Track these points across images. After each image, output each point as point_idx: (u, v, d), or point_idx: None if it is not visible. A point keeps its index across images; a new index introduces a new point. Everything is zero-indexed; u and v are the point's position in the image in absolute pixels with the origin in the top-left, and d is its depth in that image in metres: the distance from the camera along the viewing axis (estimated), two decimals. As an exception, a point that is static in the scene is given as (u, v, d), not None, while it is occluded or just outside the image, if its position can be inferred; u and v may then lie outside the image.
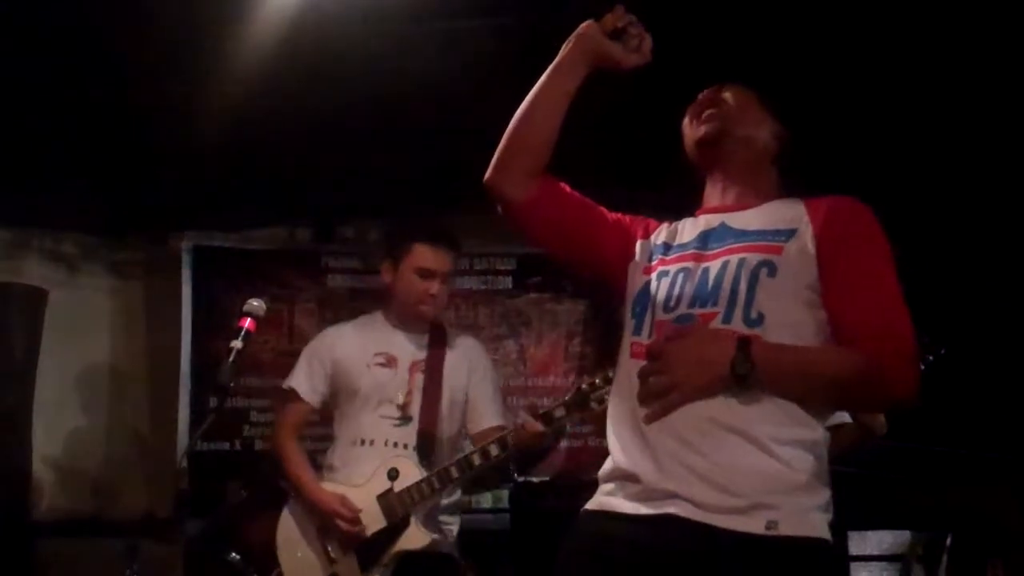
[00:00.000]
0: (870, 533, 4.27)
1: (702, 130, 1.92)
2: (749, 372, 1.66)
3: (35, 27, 3.48)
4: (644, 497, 1.73)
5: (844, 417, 3.15)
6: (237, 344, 2.47)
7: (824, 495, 1.73)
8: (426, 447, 3.07)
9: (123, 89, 3.97)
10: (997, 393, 4.36)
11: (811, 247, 1.76)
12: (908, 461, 4.01)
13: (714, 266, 1.81)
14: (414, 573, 3.01)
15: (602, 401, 2.86)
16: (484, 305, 5.38)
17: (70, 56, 3.69)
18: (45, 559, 4.55)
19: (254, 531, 3.32)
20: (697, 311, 1.78)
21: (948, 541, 4.16)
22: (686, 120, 1.97)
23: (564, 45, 1.89)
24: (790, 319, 1.74)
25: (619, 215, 2.03)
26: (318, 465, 3.24)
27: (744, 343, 1.67)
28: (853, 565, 4.17)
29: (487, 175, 1.93)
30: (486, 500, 5.01)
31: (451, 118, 4.14)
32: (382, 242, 5.12)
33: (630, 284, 1.94)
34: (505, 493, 4.73)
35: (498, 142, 1.93)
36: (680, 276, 1.84)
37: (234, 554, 3.33)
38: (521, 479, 4.59)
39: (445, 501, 3.12)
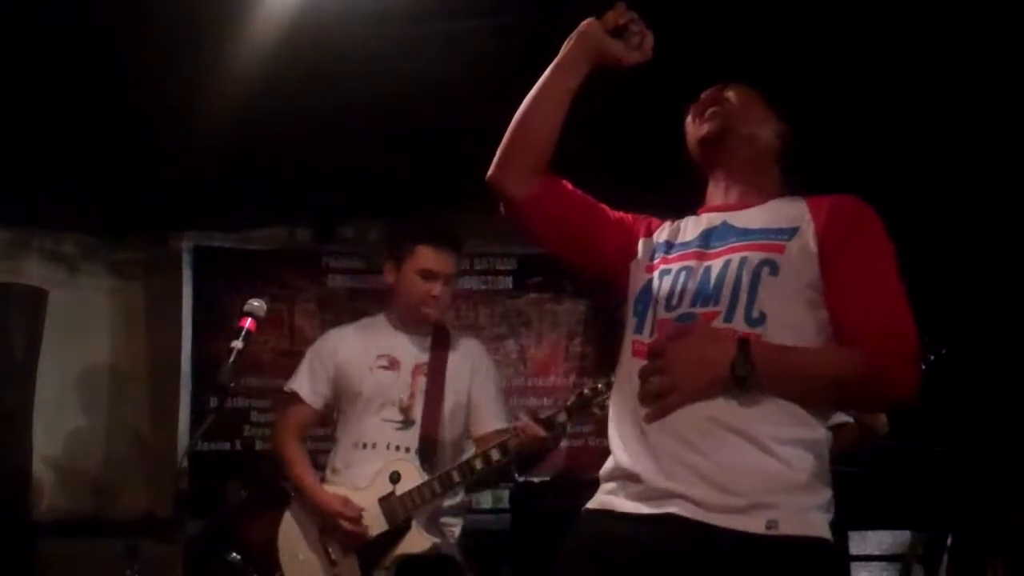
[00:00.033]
0: (870, 533, 4.27)
1: (705, 128, 1.92)
2: (749, 374, 1.66)
3: (35, 27, 3.47)
4: (645, 496, 1.73)
5: (845, 417, 3.15)
6: (237, 344, 2.47)
7: (825, 494, 1.73)
8: (428, 451, 3.07)
9: (123, 89, 3.96)
10: (997, 393, 4.36)
11: (813, 246, 1.76)
12: (908, 461, 4.01)
13: (716, 265, 1.81)
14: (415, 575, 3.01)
15: (604, 407, 2.84)
16: (484, 305, 5.39)
17: (70, 56, 3.69)
18: (45, 559, 4.55)
19: (254, 531, 3.32)
20: (699, 310, 1.78)
21: (948, 541, 4.16)
22: (689, 118, 1.97)
23: (565, 43, 1.89)
24: (792, 319, 1.74)
25: (621, 213, 2.02)
26: (319, 466, 3.24)
27: (744, 344, 1.67)
28: (853, 565, 4.17)
29: (489, 173, 1.93)
30: (486, 500, 5.02)
31: (451, 118, 4.14)
32: (383, 242, 5.14)
33: (632, 282, 1.94)
34: (505, 493, 4.73)
35: (498, 142, 1.93)
36: (682, 274, 1.84)
37: (234, 554, 3.33)
38: (521, 479, 4.59)
39: (447, 503, 3.12)
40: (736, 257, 1.79)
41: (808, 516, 1.68)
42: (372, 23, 3.51)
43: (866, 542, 4.29)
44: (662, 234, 1.96)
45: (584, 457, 5.07)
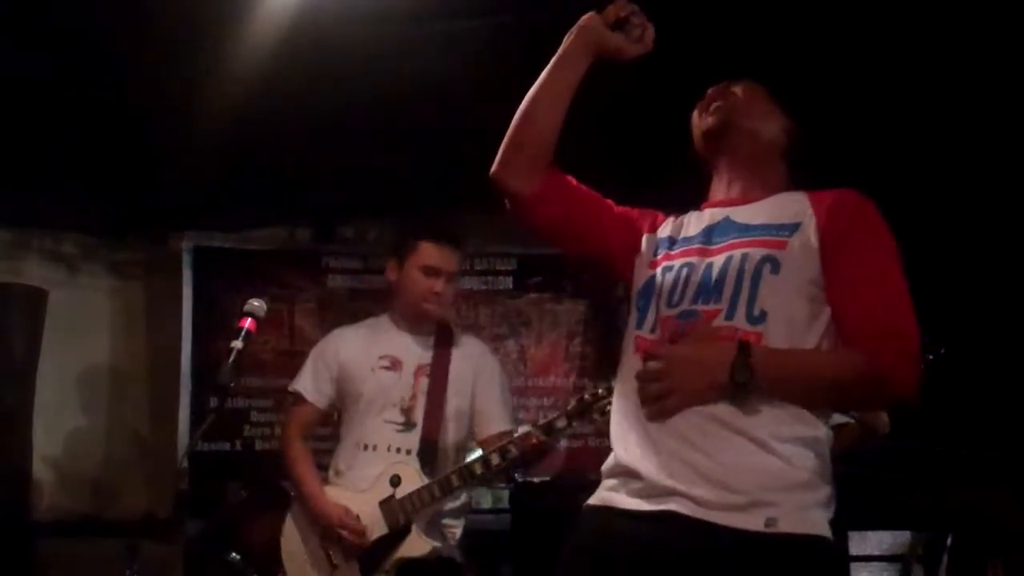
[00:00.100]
0: (870, 533, 4.27)
1: (708, 121, 1.93)
2: (748, 380, 1.66)
3: (35, 27, 3.47)
4: (646, 494, 1.73)
5: (846, 417, 3.15)
6: (237, 344, 2.46)
7: (825, 492, 1.73)
8: (428, 453, 3.06)
9: (123, 89, 3.96)
10: (997, 393, 4.36)
11: (814, 241, 1.76)
12: (908, 461, 4.01)
13: (718, 261, 1.81)
14: (415, 579, 3.00)
15: (604, 412, 2.84)
16: (484, 305, 5.39)
17: (70, 56, 3.69)
18: (45, 559, 4.55)
19: (254, 531, 3.33)
20: (700, 307, 1.78)
21: (948, 541, 4.16)
22: (695, 113, 1.97)
23: (566, 37, 1.89)
24: (793, 316, 1.73)
25: (626, 208, 2.02)
26: (322, 467, 3.23)
27: (744, 349, 1.67)
28: (853, 565, 4.17)
29: (492, 169, 1.93)
30: (486, 500, 5.02)
31: (451, 118, 4.14)
32: (383, 242, 5.14)
33: (636, 278, 1.94)
34: (505, 493, 4.73)
35: (499, 142, 1.93)
36: (684, 271, 1.84)
37: (234, 554, 3.34)
38: (521, 479, 4.59)
39: (449, 505, 3.11)
40: (738, 254, 1.79)
41: (808, 514, 1.69)
42: (372, 23, 3.51)
43: (866, 542, 4.29)
44: (665, 229, 1.96)
45: (584, 457, 5.06)
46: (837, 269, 1.74)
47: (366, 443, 3.09)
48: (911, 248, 1.78)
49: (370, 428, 3.10)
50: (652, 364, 1.74)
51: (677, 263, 1.86)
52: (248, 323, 2.51)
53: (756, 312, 1.73)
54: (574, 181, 1.98)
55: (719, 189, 1.95)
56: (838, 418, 2.89)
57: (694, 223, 1.93)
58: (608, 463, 1.85)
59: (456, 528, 3.15)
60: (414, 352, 3.16)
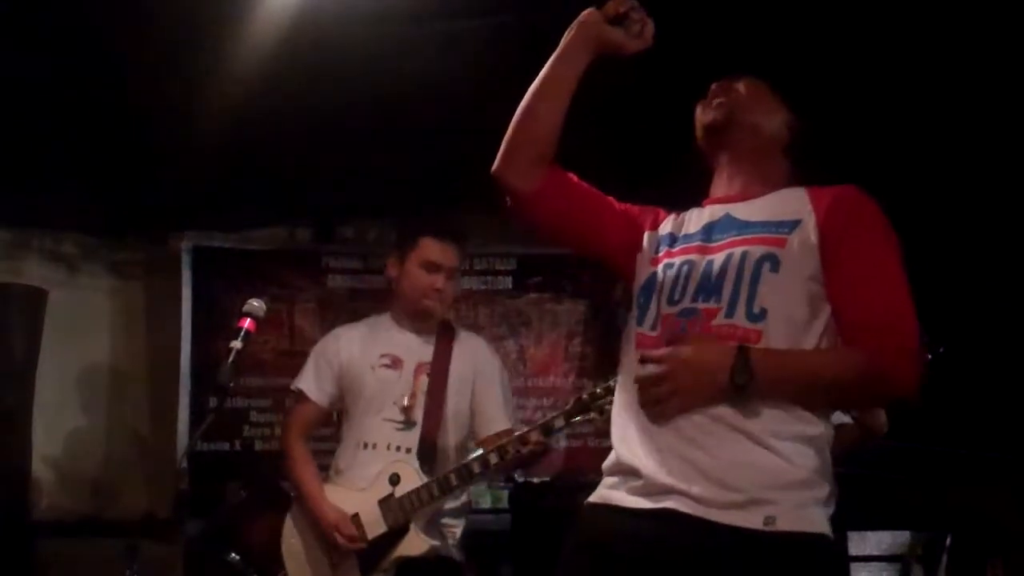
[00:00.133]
0: (870, 533, 4.27)
1: (710, 116, 1.93)
2: (748, 383, 1.67)
3: (35, 27, 3.47)
4: (645, 491, 1.74)
5: (845, 417, 3.15)
6: (237, 344, 2.46)
7: (825, 490, 1.73)
8: (428, 452, 3.06)
9: (123, 89, 3.96)
10: (997, 393, 4.36)
11: (813, 238, 1.76)
12: (908, 461, 4.01)
13: (718, 259, 1.81)
14: (414, 578, 3.00)
15: (603, 411, 2.84)
16: (484, 305, 5.39)
17: (70, 56, 3.69)
18: (45, 559, 4.55)
19: (254, 531, 3.33)
20: (701, 305, 1.78)
21: (948, 541, 4.16)
22: (698, 108, 1.97)
23: (566, 33, 1.89)
24: (792, 314, 1.74)
25: (627, 205, 2.02)
26: (323, 467, 3.23)
27: (743, 352, 1.67)
28: (853, 565, 4.16)
29: (494, 166, 1.93)
30: (486, 500, 5.02)
31: (451, 118, 4.14)
32: (383, 242, 5.14)
33: (637, 275, 1.94)
34: (505, 493, 4.73)
35: (499, 142, 1.93)
36: (684, 268, 1.84)
37: (234, 554, 3.33)
38: (521, 479, 4.59)
39: (449, 504, 3.10)
40: (738, 251, 1.79)
41: (807, 512, 1.69)
42: (372, 23, 3.51)
43: (866, 542, 4.29)
44: (666, 226, 1.97)
45: (584, 457, 5.07)
46: (837, 266, 1.74)
47: (366, 442, 3.09)
48: (911, 247, 1.78)
49: (370, 427, 3.09)
50: (651, 368, 1.75)
51: (678, 260, 1.86)
52: (248, 323, 2.51)
53: (756, 310, 1.74)
54: (575, 178, 1.98)
55: (720, 185, 1.95)
56: (837, 418, 2.89)
57: (695, 220, 1.93)
58: (609, 461, 1.86)
59: (456, 528, 3.15)
60: (415, 350, 3.15)
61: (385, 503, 2.99)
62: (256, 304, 2.55)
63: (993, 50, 3.52)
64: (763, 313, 1.73)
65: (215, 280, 5.24)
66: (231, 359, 2.44)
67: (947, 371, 3.18)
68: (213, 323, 5.12)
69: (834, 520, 1.74)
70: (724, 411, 1.70)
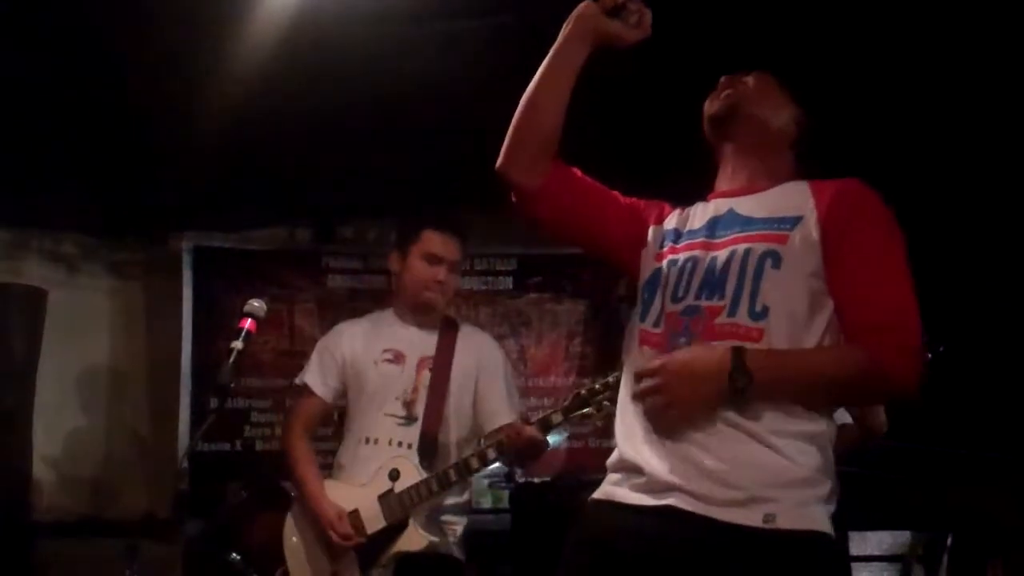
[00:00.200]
0: (870, 533, 4.27)
1: (715, 106, 1.93)
2: (747, 385, 1.67)
3: (35, 27, 3.47)
4: (648, 489, 1.75)
5: (845, 417, 3.15)
6: (237, 344, 2.47)
7: (826, 487, 1.73)
8: (428, 448, 3.06)
9: (123, 89, 3.97)
10: (997, 393, 4.36)
11: (815, 235, 1.75)
12: (908, 461, 4.01)
13: (721, 256, 1.81)
14: (413, 574, 3.00)
15: (601, 407, 2.85)
16: (484, 305, 5.39)
17: (70, 56, 3.69)
18: (45, 559, 4.55)
19: (254, 531, 3.32)
20: (704, 303, 1.79)
21: (948, 541, 4.16)
22: (707, 102, 1.97)
23: (564, 26, 1.88)
24: (794, 310, 1.73)
25: (632, 199, 2.02)
26: (322, 466, 3.23)
27: (740, 355, 1.68)
28: (854, 565, 4.17)
29: (498, 163, 1.93)
30: (487, 500, 5.02)
31: (451, 118, 4.14)
32: (383, 242, 5.14)
33: (642, 270, 1.94)
34: (505, 493, 4.73)
35: (499, 142, 1.93)
36: (688, 265, 1.84)
37: (234, 554, 3.33)
38: (522, 479, 4.59)
39: (450, 501, 3.10)
40: (740, 248, 1.79)
41: (807, 510, 1.69)
42: (372, 23, 3.51)
43: (866, 542, 4.29)
44: (671, 221, 1.96)
45: (584, 457, 5.07)
46: (838, 262, 1.74)
47: (367, 436, 3.09)
48: (912, 247, 1.78)
49: (372, 422, 3.10)
50: (648, 382, 1.75)
51: (682, 257, 1.86)
52: (248, 323, 2.51)
53: (758, 308, 1.73)
54: (579, 173, 1.98)
55: (724, 178, 1.95)
56: (838, 418, 2.89)
57: (699, 215, 1.92)
58: (612, 458, 1.86)
59: (457, 526, 3.14)
60: (417, 345, 3.15)
61: (385, 499, 2.99)
62: (256, 304, 2.55)
63: (998, 50, 3.52)
64: (765, 311, 1.73)
65: (215, 280, 5.24)
66: (232, 359, 2.44)
67: (947, 371, 3.19)
68: (213, 323, 5.12)
69: (835, 520, 1.74)
70: (725, 409, 1.70)
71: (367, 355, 3.14)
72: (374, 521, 3.00)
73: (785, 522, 1.65)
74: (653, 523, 1.72)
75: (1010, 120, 3.89)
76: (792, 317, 1.73)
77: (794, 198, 1.82)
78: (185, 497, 3.59)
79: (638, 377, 1.78)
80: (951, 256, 4.30)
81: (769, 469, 1.68)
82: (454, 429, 3.13)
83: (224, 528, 3.65)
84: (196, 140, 4.19)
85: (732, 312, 1.75)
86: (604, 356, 5.28)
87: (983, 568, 4.05)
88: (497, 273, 5.43)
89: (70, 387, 5.27)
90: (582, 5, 1.87)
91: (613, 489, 1.82)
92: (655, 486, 1.73)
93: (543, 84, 1.89)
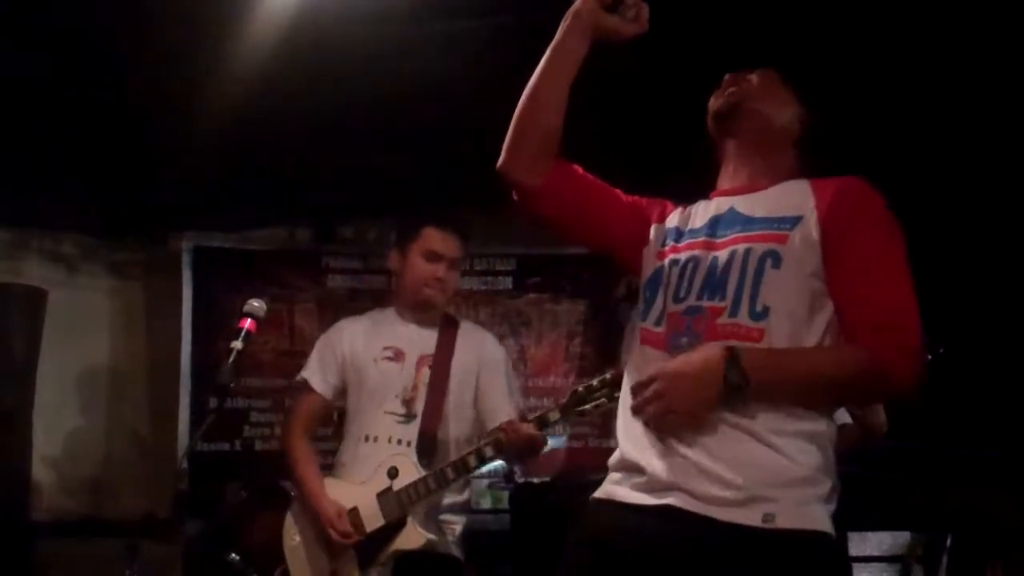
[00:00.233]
0: (870, 534, 4.27)
1: (718, 103, 1.93)
2: (743, 383, 1.67)
3: (35, 27, 3.47)
4: (648, 488, 1.75)
5: (845, 417, 3.15)
6: (237, 344, 2.47)
7: (826, 487, 1.73)
8: (427, 445, 3.06)
9: (123, 89, 3.97)
10: (997, 393, 4.36)
11: (815, 234, 1.75)
12: (908, 461, 4.01)
13: (722, 256, 1.81)
14: (412, 572, 3.00)
15: (598, 404, 2.85)
16: (484, 305, 5.39)
17: (70, 56, 3.69)
18: (45, 559, 4.55)
19: (254, 532, 3.32)
20: (705, 303, 1.79)
21: (948, 542, 4.16)
22: (711, 98, 1.97)
23: (562, 23, 1.88)
24: (795, 311, 1.74)
25: (634, 197, 2.02)
26: (322, 466, 3.23)
27: (733, 353, 1.68)
28: (853, 566, 4.17)
29: (499, 162, 1.93)
30: (486, 501, 5.01)
31: (451, 118, 4.14)
32: (383, 242, 5.13)
33: (644, 268, 1.94)
34: (505, 494, 4.73)
35: (499, 142, 1.93)
36: (690, 265, 1.84)
37: (234, 555, 3.33)
38: (521, 480, 4.59)
39: (449, 500, 3.10)
40: (741, 248, 1.79)
41: (807, 509, 1.69)
42: (372, 23, 3.51)
43: (866, 543, 4.28)
44: (673, 219, 1.96)
45: (584, 457, 5.07)
46: (838, 262, 1.74)
47: (367, 434, 3.10)
48: (912, 247, 1.77)
49: (372, 419, 3.10)
50: (644, 393, 1.75)
51: (684, 256, 1.87)
52: (248, 323, 2.51)
53: (759, 308, 1.74)
54: (581, 170, 1.98)
55: (727, 176, 1.95)
56: (839, 418, 2.89)
57: (701, 213, 1.92)
58: (614, 457, 1.87)
59: (456, 525, 3.14)
60: (417, 343, 3.15)
61: (383, 496, 3.00)
62: (256, 304, 2.55)
63: (1000, 51, 3.52)
64: (766, 311, 1.73)
65: (215, 280, 5.24)
66: (231, 359, 2.44)
67: (947, 371, 3.19)
68: (213, 323, 5.12)
69: (834, 520, 1.74)
70: (725, 409, 1.70)
71: (367, 353, 3.14)
72: (373, 519, 3.00)
73: (785, 521, 1.66)
74: (653, 522, 1.72)
75: (1012, 121, 3.89)
76: (793, 317, 1.73)
77: (795, 197, 1.82)
78: (185, 497, 3.59)
79: (635, 391, 1.78)
80: (952, 257, 4.30)
81: (769, 468, 1.68)
82: (453, 426, 3.13)
83: (224, 528, 3.65)
84: (196, 140, 4.19)
85: (733, 313, 1.75)
86: (604, 356, 5.28)
87: (983, 569, 4.05)
88: (497, 273, 5.43)
89: (70, 387, 5.27)
90: (579, 1, 1.87)
91: (614, 488, 1.83)
92: (655, 485, 1.73)
93: (542, 81, 1.89)
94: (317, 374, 3.19)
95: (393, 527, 2.99)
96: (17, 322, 4.70)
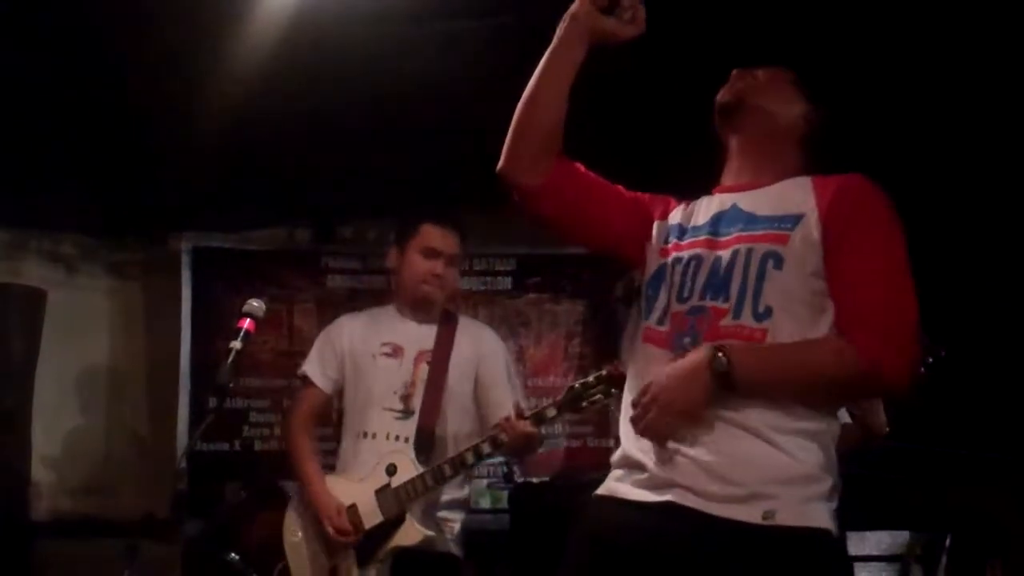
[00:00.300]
0: (869, 533, 4.27)
1: (724, 96, 1.93)
2: (729, 369, 1.67)
3: (35, 27, 3.47)
4: (649, 485, 1.76)
5: (845, 417, 3.15)
6: (236, 345, 2.47)
7: (827, 484, 1.73)
8: (425, 442, 3.06)
9: (123, 89, 3.96)
10: (997, 393, 4.36)
11: (816, 234, 1.75)
12: (908, 461, 4.01)
13: (725, 255, 1.81)
14: (410, 569, 3.01)
15: (595, 400, 2.85)
16: (484, 305, 5.38)
17: (70, 56, 3.69)
18: (44, 559, 4.55)
19: (253, 531, 3.33)
20: (709, 303, 1.79)
21: (947, 541, 4.16)
22: (718, 93, 1.97)
23: (559, 25, 1.88)
24: (797, 311, 1.74)
25: (637, 194, 2.02)
26: (327, 464, 3.23)
27: (721, 348, 1.69)
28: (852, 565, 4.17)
29: (499, 164, 1.93)
30: (486, 500, 5.02)
31: (451, 118, 4.14)
32: (383, 242, 5.13)
33: (647, 265, 1.94)
34: (504, 494, 4.73)
35: (498, 142, 1.93)
36: (692, 264, 1.84)
37: (233, 554, 3.33)
38: (521, 479, 4.59)
39: (446, 497, 3.10)
40: (743, 248, 1.79)
41: (808, 506, 1.69)
42: (372, 23, 3.51)
43: (865, 542, 4.28)
44: (676, 216, 1.96)
45: (583, 457, 5.07)
46: (837, 261, 1.74)
47: (366, 431, 3.10)
48: (914, 249, 1.78)
49: (370, 416, 3.10)
50: (643, 400, 1.76)
51: (686, 254, 1.87)
52: (247, 323, 2.51)
53: (761, 309, 1.74)
54: (582, 168, 1.97)
55: (730, 172, 1.95)
56: (840, 418, 2.89)
57: (703, 210, 1.92)
58: (616, 454, 1.88)
59: (454, 522, 3.14)
60: (416, 339, 3.15)
61: (382, 493, 3.00)
62: (256, 304, 2.55)
63: (1002, 51, 3.52)
64: (768, 311, 1.74)
65: (215, 280, 5.24)
66: (231, 359, 2.45)
67: (947, 372, 3.19)
68: (213, 323, 5.11)
69: (836, 513, 1.74)
70: (725, 406, 1.71)
71: (366, 349, 3.15)
72: (371, 516, 3.00)
73: (785, 518, 1.66)
74: (654, 519, 1.72)
75: (1017, 122, 3.89)
76: (795, 317, 1.73)
77: (796, 195, 1.82)
78: (184, 497, 3.59)
79: (634, 404, 1.79)
80: (953, 257, 4.30)
81: (770, 465, 1.69)
82: (452, 423, 3.13)
83: (223, 528, 3.66)
84: (196, 140, 4.19)
85: (737, 314, 1.76)
86: (603, 356, 5.26)
87: (982, 568, 4.05)
88: (496, 273, 5.42)
89: (69, 387, 5.27)
90: (575, 4, 1.87)
91: (616, 485, 1.83)
92: (656, 482, 1.74)
93: (541, 84, 1.89)
94: (316, 368, 3.20)
95: (391, 524, 2.99)
96: (16, 322, 4.70)
